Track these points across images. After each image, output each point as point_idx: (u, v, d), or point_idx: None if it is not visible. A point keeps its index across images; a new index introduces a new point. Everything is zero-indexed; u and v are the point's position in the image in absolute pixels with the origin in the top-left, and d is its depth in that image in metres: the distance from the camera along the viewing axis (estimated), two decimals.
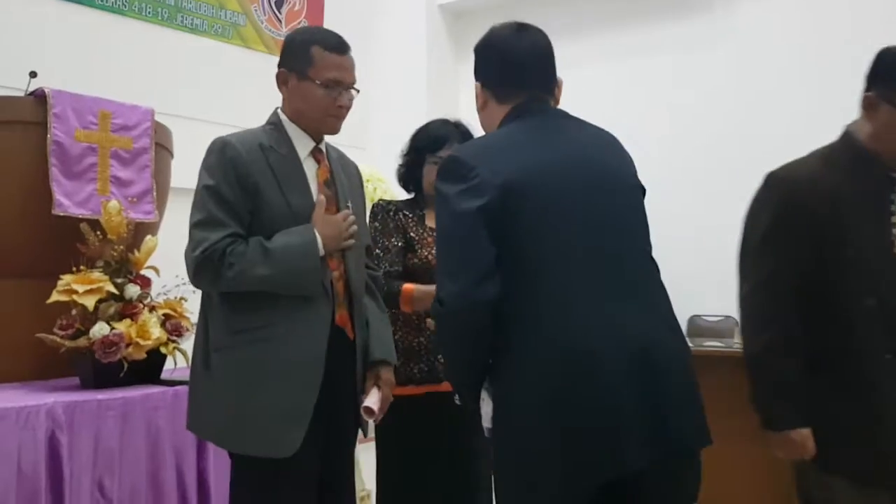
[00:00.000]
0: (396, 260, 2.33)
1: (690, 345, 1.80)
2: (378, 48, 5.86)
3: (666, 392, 1.48)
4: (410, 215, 2.46)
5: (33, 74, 3.10)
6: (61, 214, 2.84)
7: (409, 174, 2.54)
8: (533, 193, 1.53)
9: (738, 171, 4.79)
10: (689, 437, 1.52)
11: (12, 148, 2.84)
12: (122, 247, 2.85)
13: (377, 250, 2.31)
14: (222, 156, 1.83)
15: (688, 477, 1.55)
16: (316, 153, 1.98)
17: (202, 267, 1.80)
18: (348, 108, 1.99)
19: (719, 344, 4.31)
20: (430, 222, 2.45)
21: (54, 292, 2.71)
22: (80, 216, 2.86)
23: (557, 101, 1.79)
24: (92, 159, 2.97)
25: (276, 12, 5.12)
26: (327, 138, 2.11)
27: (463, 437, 2.33)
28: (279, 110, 2.02)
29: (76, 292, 2.72)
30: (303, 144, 1.96)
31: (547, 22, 6.03)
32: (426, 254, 2.38)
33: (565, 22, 5.65)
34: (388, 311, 2.17)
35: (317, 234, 1.84)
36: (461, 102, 6.11)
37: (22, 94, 2.98)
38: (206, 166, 1.86)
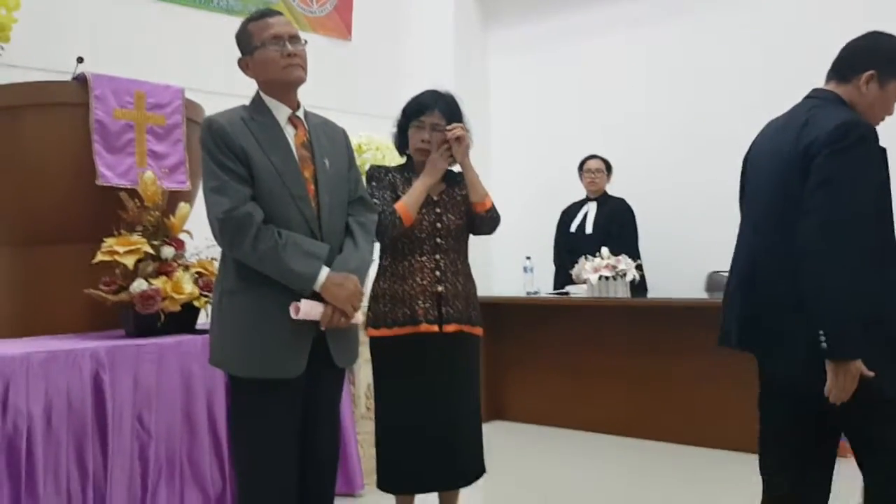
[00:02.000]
0: (390, 203, 2.61)
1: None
2: (407, 23, 6.10)
3: None
4: (399, 177, 2.72)
5: (80, 59, 3.46)
6: (104, 185, 3.22)
7: (399, 139, 2.80)
8: None
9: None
10: None
11: (60, 127, 3.22)
12: (157, 213, 3.20)
13: (374, 200, 2.58)
14: (210, 131, 2.14)
15: None
16: (293, 119, 2.26)
17: (225, 228, 2.10)
18: (298, 54, 2.21)
19: None
20: None
21: (99, 253, 3.08)
22: (121, 186, 3.23)
23: None
24: (130, 135, 3.33)
25: None
26: (317, 107, 2.40)
27: (440, 370, 2.63)
28: (258, 90, 2.29)
29: (118, 253, 3.09)
30: (281, 112, 2.24)
31: None
32: None
33: None
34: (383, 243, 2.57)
35: (323, 277, 2.10)
36: (490, 72, 6.32)
37: (69, 77, 3.34)
38: (202, 143, 2.17)
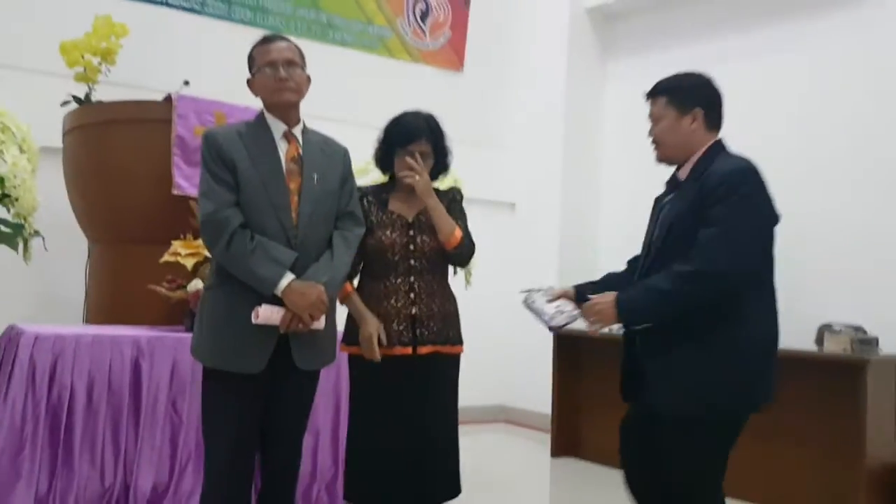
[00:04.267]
0: None
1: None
2: (520, 54, 6.18)
3: None
4: (374, 200, 2.73)
5: (186, 83, 3.90)
6: (178, 194, 3.58)
7: (382, 161, 2.79)
8: None
9: (876, 171, 4.50)
10: None
11: (147, 141, 3.64)
12: None
13: None
14: (206, 142, 2.36)
15: None
16: (287, 134, 2.42)
17: (205, 229, 2.33)
18: (288, 79, 2.37)
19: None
20: (393, 206, 2.72)
21: (165, 254, 3.43)
22: (193, 196, 3.57)
23: None
24: None
25: (421, 24, 5.67)
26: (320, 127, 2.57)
27: (413, 391, 2.61)
28: (262, 108, 2.48)
29: (180, 255, 3.42)
30: (277, 128, 2.41)
31: (700, 18, 6.12)
32: (381, 234, 2.64)
33: (710, 21, 5.57)
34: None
35: (285, 283, 2.23)
36: (606, 102, 6.23)
37: (164, 95, 3.76)
38: (201, 154, 2.40)
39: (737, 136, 5.29)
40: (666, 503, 2.24)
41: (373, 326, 2.56)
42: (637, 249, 4.75)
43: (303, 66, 2.46)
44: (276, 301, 2.28)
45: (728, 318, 2.08)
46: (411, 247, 2.65)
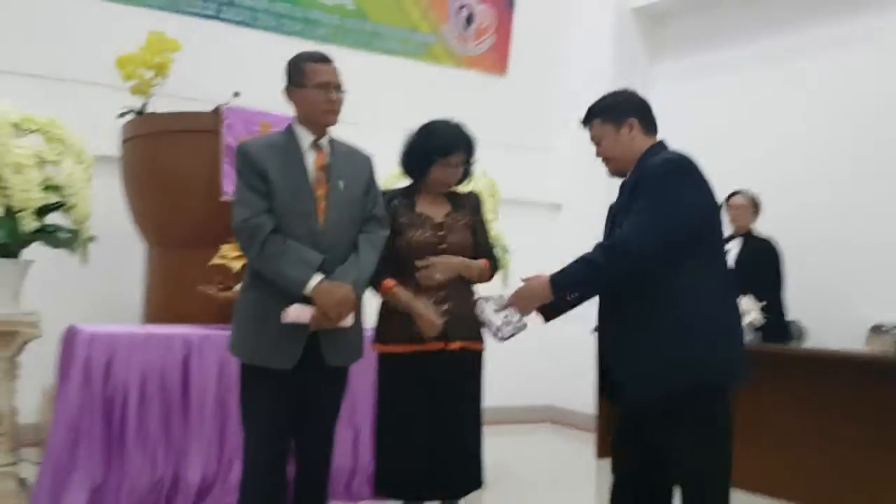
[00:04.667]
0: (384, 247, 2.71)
1: None
2: (565, 56, 6.20)
3: None
4: (403, 202, 2.83)
5: (236, 94, 4.08)
6: (227, 200, 3.75)
7: (416, 167, 2.85)
8: None
9: None
10: None
11: (197, 150, 3.83)
12: None
13: None
14: (239, 154, 2.50)
15: None
16: (315, 146, 2.54)
17: (240, 234, 2.47)
18: (338, 102, 2.51)
19: None
20: (421, 208, 2.82)
21: (215, 257, 3.60)
22: None
23: None
24: None
25: (465, 30, 5.75)
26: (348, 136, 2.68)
27: (444, 385, 2.71)
28: (293, 119, 2.60)
29: (228, 258, 3.59)
30: (305, 140, 2.53)
31: (751, 17, 6.10)
32: (411, 235, 2.74)
33: (759, 20, 5.50)
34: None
35: (314, 283, 2.35)
36: (653, 102, 6.18)
37: (215, 106, 3.94)
38: (235, 163, 2.54)
39: (789, 133, 5.29)
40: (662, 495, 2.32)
41: (429, 308, 2.68)
42: None
43: (343, 88, 2.57)
44: (306, 301, 2.39)
45: (661, 300, 2.16)
46: (441, 246, 2.75)
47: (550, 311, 2.47)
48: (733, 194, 4.94)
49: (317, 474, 2.57)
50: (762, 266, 4.70)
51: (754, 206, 4.90)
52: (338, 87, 2.52)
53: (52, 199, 3.15)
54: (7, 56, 4.40)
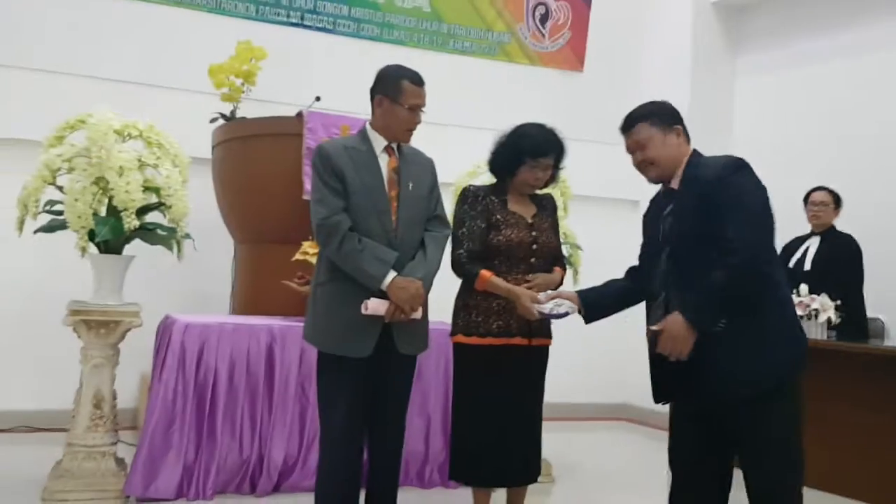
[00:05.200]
0: (477, 240, 2.83)
1: None
2: (643, 51, 6.18)
3: None
4: (496, 200, 2.92)
5: (318, 98, 4.31)
6: (308, 199, 3.95)
7: (504, 167, 2.94)
8: None
9: None
10: None
11: (281, 152, 4.06)
12: None
13: (462, 229, 2.86)
14: (318, 155, 2.68)
15: None
16: (388, 149, 2.70)
17: (319, 232, 2.65)
18: (418, 123, 2.71)
19: None
20: (512, 207, 2.91)
21: (297, 253, 3.82)
22: None
23: None
24: None
25: (540, 28, 5.83)
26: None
27: (525, 378, 2.84)
28: (367, 123, 2.76)
29: (308, 253, 3.79)
30: (378, 144, 2.69)
31: (831, 8, 6.03)
32: (510, 233, 2.84)
33: (852, 7, 5.36)
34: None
35: (389, 279, 2.53)
36: (736, 95, 6.12)
37: (298, 110, 4.16)
38: (312, 164, 2.71)
39: (873, 127, 5.14)
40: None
41: (527, 296, 2.72)
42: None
43: None
44: (381, 295, 2.55)
45: (756, 302, 2.21)
46: (534, 246, 2.87)
47: (592, 314, 2.61)
48: (814, 190, 4.85)
49: (389, 455, 2.74)
50: (842, 263, 4.60)
51: (836, 203, 4.79)
52: (422, 110, 2.68)
53: (152, 199, 3.42)
54: (108, 65, 4.74)
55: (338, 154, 2.66)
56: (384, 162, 2.70)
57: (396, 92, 2.68)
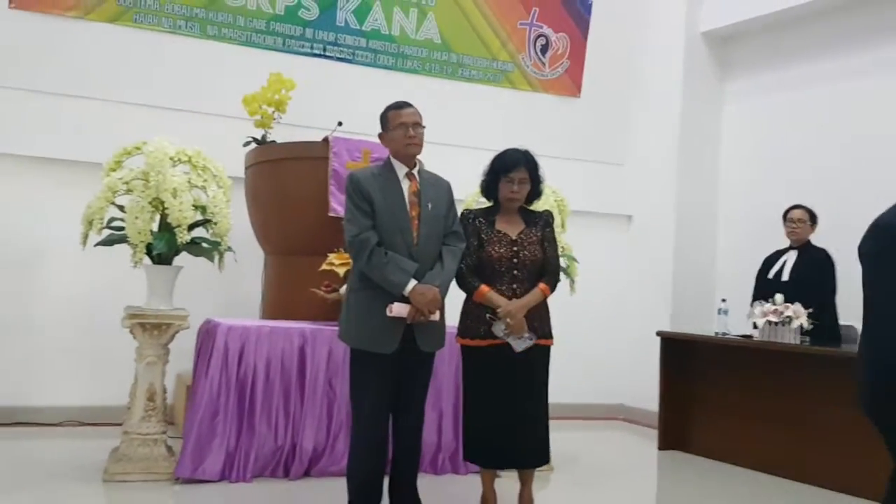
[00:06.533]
0: (471, 255, 3.30)
1: None
2: (637, 77, 6.66)
3: None
4: (484, 220, 3.38)
5: (340, 123, 4.78)
6: (333, 216, 4.43)
7: (488, 189, 3.44)
8: None
9: None
10: None
11: (309, 173, 4.53)
12: None
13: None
14: (350, 182, 3.14)
15: None
16: (409, 175, 3.16)
17: (351, 248, 3.11)
18: (416, 136, 3.13)
19: None
20: (499, 225, 3.36)
21: (323, 264, 4.28)
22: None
23: None
24: None
25: (541, 57, 6.31)
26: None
27: (517, 373, 3.25)
28: (389, 154, 3.23)
29: (334, 265, 4.25)
30: (401, 170, 3.16)
31: (811, 38, 6.55)
32: (491, 249, 3.29)
33: (830, 37, 5.81)
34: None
35: (411, 286, 2.98)
36: (723, 119, 6.58)
37: (323, 135, 4.63)
38: (346, 189, 3.18)
39: (847, 148, 5.59)
40: None
41: (510, 303, 3.22)
42: (750, 262, 5.06)
43: (423, 125, 3.19)
44: (404, 300, 3.01)
45: None
46: (515, 260, 3.30)
47: None
48: (793, 208, 5.28)
49: (412, 433, 3.19)
50: (817, 275, 5.03)
51: (812, 220, 5.23)
52: (416, 125, 3.13)
53: (199, 216, 3.89)
54: (151, 93, 5.21)
55: (367, 180, 3.13)
56: (406, 186, 3.16)
57: (385, 123, 3.20)
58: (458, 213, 3.33)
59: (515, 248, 3.33)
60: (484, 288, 3.27)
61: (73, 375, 5.06)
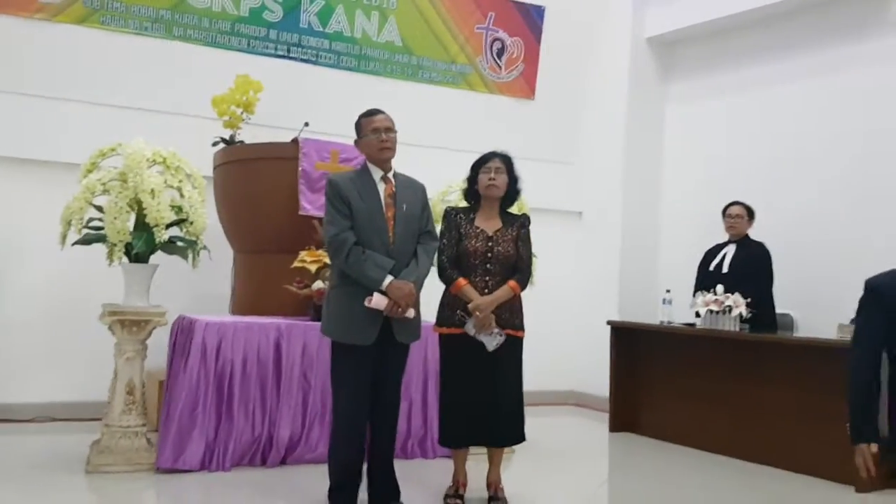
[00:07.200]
0: (450, 248, 3.56)
1: None
2: (586, 80, 6.99)
3: None
4: (464, 217, 3.65)
5: (306, 124, 4.94)
6: (304, 215, 4.60)
7: (469, 191, 3.72)
8: None
9: None
10: None
11: (279, 173, 4.68)
12: None
13: (443, 241, 3.58)
14: (329, 186, 3.34)
15: None
16: (385, 178, 3.38)
17: (330, 247, 3.31)
18: (388, 140, 3.35)
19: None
20: (478, 223, 3.62)
21: (295, 261, 4.45)
22: (315, 216, 4.58)
23: None
24: (325, 181, 4.68)
25: (497, 61, 6.58)
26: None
27: (488, 361, 3.49)
28: (365, 159, 3.44)
29: (306, 262, 4.44)
30: (377, 174, 3.38)
31: (749, 45, 6.94)
32: (467, 244, 3.55)
33: (767, 44, 6.21)
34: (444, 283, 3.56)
35: (387, 282, 3.20)
36: (666, 120, 6.96)
37: (292, 135, 4.79)
38: (325, 193, 3.37)
39: (782, 148, 6.00)
40: None
41: (481, 299, 3.47)
42: (692, 255, 5.37)
43: (395, 129, 3.40)
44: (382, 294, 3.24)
45: None
46: (489, 254, 3.56)
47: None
48: (731, 204, 5.66)
49: (389, 409, 3.42)
50: (755, 267, 5.41)
51: (749, 215, 5.62)
52: (388, 130, 3.35)
53: (175, 216, 4.02)
54: (121, 94, 5.27)
55: (345, 184, 3.34)
56: (382, 189, 3.37)
57: (359, 130, 3.44)
58: (432, 213, 3.56)
59: (490, 244, 3.58)
60: (462, 281, 3.52)
61: (44, 372, 5.13)
